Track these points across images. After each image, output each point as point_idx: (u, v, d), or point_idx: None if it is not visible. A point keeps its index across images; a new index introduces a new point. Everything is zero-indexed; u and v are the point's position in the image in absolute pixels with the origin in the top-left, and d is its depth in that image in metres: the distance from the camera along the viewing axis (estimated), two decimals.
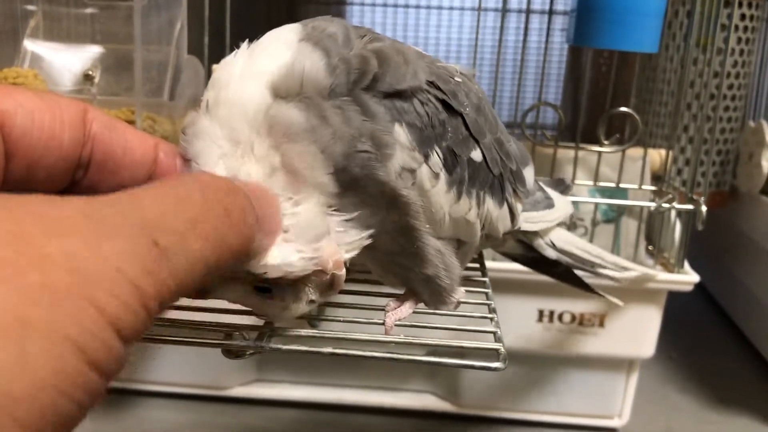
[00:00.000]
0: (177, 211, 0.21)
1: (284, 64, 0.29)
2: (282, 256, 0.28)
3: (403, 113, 0.31)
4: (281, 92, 0.29)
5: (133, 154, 0.30)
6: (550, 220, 0.45)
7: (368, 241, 0.31)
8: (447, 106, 0.33)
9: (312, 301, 0.31)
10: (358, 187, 0.30)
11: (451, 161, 0.34)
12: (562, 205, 0.47)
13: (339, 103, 0.30)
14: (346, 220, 0.30)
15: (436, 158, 0.33)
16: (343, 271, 0.30)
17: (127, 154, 0.29)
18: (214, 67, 0.63)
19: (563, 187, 0.52)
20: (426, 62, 0.34)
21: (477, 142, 0.35)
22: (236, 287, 0.30)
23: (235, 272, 0.28)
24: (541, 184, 0.47)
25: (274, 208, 0.28)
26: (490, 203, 0.37)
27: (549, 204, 0.46)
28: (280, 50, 0.30)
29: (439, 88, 0.33)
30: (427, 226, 0.33)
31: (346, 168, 0.29)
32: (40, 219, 0.18)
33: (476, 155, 0.35)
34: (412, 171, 0.32)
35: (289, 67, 0.29)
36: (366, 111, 0.30)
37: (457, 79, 0.35)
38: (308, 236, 0.29)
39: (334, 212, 0.30)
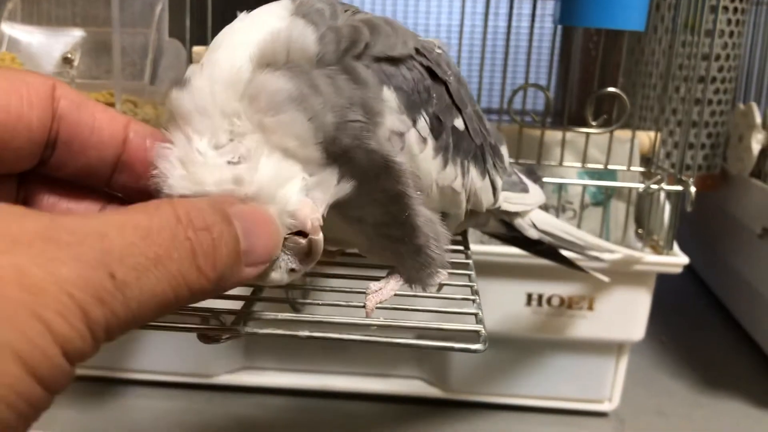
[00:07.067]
0: (142, 246, 0.21)
1: (270, 32, 0.29)
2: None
3: (390, 77, 0.31)
4: (267, 60, 0.28)
5: (101, 133, 0.29)
6: (527, 203, 0.47)
7: (346, 191, 0.30)
8: (432, 74, 0.34)
9: (293, 270, 0.30)
10: (346, 157, 0.29)
11: (437, 127, 0.34)
12: (536, 192, 0.48)
13: (328, 72, 0.29)
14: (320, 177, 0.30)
15: (423, 123, 0.33)
16: (321, 236, 0.30)
17: (94, 133, 0.29)
18: (196, 49, 0.62)
19: (535, 177, 0.52)
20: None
21: (460, 111, 0.36)
22: None
23: None
24: (515, 170, 0.48)
25: (269, 238, 0.27)
26: (473, 173, 0.38)
27: (524, 188, 0.47)
28: (270, 20, 0.30)
29: (425, 56, 0.33)
30: (419, 192, 0.32)
31: (336, 138, 0.29)
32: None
33: (459, 123, 0.36)
34: (401, 134, 0.32)
35: (275, 35, 0.29)
36: (356, 78, 0.30)
37: (438, 51, 0.35)
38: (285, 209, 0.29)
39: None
